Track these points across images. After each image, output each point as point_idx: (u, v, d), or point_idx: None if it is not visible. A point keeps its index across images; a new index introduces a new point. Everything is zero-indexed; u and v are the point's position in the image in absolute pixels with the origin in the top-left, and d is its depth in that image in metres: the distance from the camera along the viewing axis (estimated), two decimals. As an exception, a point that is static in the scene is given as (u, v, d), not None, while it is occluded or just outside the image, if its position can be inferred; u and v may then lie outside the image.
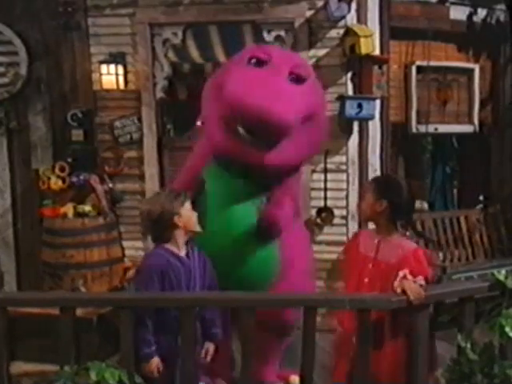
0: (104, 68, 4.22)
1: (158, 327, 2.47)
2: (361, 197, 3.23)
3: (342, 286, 4.02)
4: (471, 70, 4.78)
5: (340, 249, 4.19)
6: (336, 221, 4.24)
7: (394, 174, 4.40)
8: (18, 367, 3.26)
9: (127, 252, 4.41)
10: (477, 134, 4.86)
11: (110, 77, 4.23)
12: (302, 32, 4.12)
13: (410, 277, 2.36)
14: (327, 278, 4.22)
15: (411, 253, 2.49)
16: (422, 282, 2.36)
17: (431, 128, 4.66)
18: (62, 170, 4.32)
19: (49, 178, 4.32)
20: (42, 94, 4.42)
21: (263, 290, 2.85)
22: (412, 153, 5.19)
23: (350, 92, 4.15)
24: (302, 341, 2.40)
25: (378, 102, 4.20)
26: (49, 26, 4.35)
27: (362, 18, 4.11)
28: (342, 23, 4.08)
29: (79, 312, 2.50)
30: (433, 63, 4.54)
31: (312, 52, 4.14)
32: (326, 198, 4.21)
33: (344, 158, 4.22)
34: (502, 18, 4.79)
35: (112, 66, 4.21)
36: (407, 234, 2.64)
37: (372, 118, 4.15)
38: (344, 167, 4.23)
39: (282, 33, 4.15)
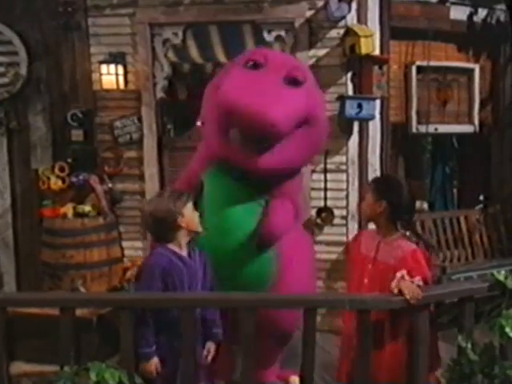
0: (104, 68, 4.22)
1: (159, 327, 2.47)
2: (361, 197, 3.24)
3: (343, 286, 4.05)
4: (471, 70, 4.78)
5: (340, 249, 4.21)
6: (336, 221, 4.24)
7: (393, 175, 4.40)
8: (18, 368, 3.25)
9: (127, 252, 4.40)
10: (477, 134, 4.86)
11: (109, 77, 4.22)
12: (302, 32, 4.12)
13: (407, 277, 2.36)
14: (327, 278, 4.22)
15: (410, 253, 2.50)
16: (420, 283, 2.36)
17: (431, 128, 4.65)
18: (62, 170, 4.32)
19: (48, 178, 4.32)
20: (42, 94, 4.42)
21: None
22: (412, 153, 5.19)
23: (350, 92, 4.15)
24: (302, 341, 2.40)
25: (377, 102, 4.20)
26: (49, 26, 4.35)
27: (362, 17, 4.11)
28: (342, 23, 4.08)
29: (79, 312, 2.50)
30: (433, 63, 4.54)
31: (312, 52, 4.14)
32: (325, 198, 4.20)
33: (344, 158, 4.22)
34: (502, 17, 4.79)
35: (112, 66, 4.21)
36: (407, 234, 2.63)
37: (372, 118, 4.14)
38: (344, 167, 4.23)
39: (282, 33, 4.15)
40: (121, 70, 4.24)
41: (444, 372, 2.40)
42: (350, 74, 4.14)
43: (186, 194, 2.62)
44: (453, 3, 4.65)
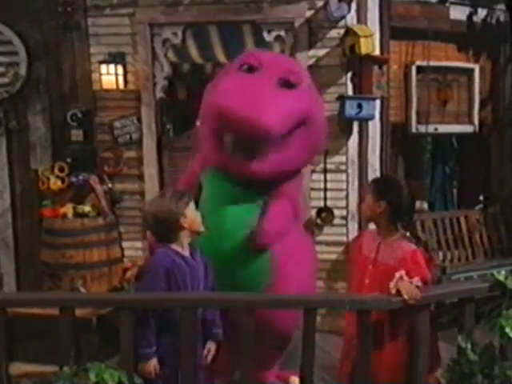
0: (104, 68, 4.22)
1: (161, 327, 2.47)
2: (361, 197, 3.23)
3: (343, 287, 4.06)
4: (471, 70, 4.77)
5: (340, 249, 4.21)
6: (336, 221, 4.23)
7: (393, 175, 4.39)
8: (17, 368, 3.24)
9: (126, 252, 4.40)
10: (477, 134, 4.86)
11: (109, 77, 4.22)
12: (302, 32, 4.11)
13: (406, 278, 2.37)
14: (327, 278, 4.21)
15: (409, 254, 2.50)
16: (419, 283, 2.37)
17: (431, 128, 4.65)
18: (62, 170, 4.32)
19: (48, 179, 4.32)
20: (42, 94, 4.42)
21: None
22: (412, 153, 5.19)
23: (350, 92, 4.15)
24: (302, 341, 2.40)
25: (377, 102, 4.19)
26: (49, 26, 4.35)
27: (361, 18, 4.11)
28: (342, 23, 4.07)
29: (79, 312, 2.50)
30: (433, 63, 4.54)
31: (312, 52, 4.13)
32: (325, 199, 4.20)
33: (344, 158, 4.22)
34: (502, 18, 4.79)
35: (112, 66, 4.21)
36: (407, 234, 2.63)
37: (372, 118, 4.14)
38: (344, 167, 4.23)
39: (282, 33, 4.15)
40: (120, 70, 4.23)
41: (444, 372, 2.40)
42: (349, 74, 4.14)
43: (188, 194, 2.62)
44: (452, 3, 4.64)
